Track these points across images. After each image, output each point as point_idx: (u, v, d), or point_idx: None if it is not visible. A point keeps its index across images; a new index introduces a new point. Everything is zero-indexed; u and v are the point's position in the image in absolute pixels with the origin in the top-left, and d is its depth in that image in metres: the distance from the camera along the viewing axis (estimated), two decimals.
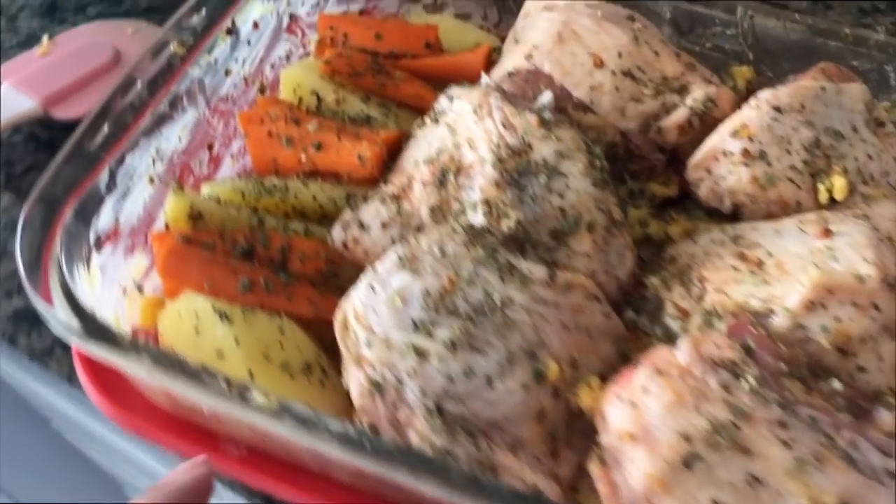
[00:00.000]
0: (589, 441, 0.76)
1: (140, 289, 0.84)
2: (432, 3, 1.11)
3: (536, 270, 0.74)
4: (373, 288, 0.74)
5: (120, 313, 0.81)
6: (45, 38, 1.22)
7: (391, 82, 1.00)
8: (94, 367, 0.80)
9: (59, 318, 0.69)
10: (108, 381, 0.80)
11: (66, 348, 0.95)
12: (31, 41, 1.28)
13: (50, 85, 1.16)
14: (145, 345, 0.66)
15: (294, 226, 0.88)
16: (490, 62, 1.02)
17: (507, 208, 0.79)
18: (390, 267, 0.74)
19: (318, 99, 0.99)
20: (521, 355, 0.71)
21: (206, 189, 0.89)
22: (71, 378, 0.93)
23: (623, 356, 0.79)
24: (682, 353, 0.69)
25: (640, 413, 0.67)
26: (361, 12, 1.11)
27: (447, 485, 0.61)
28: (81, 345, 0.68)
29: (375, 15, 1.11)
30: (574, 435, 0.75)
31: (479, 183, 0.81)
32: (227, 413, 0.66)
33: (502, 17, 1.10)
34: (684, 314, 0.78)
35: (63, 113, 1.15)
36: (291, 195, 0.90)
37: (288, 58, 1.03)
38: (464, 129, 0.85)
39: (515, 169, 0.80)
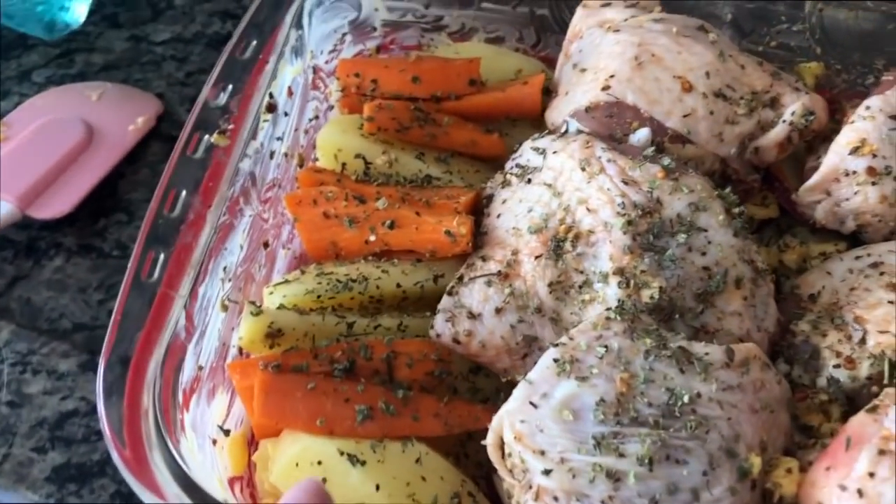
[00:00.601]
0: None
1: (226, 432, 0.71)
2: (459, 30, 0.98)
3: (713, 352, 0.65)
4: (532, 403, 0.64)
5: (216, 469, 0.68)
6: None
7: (441, 131, 0.89)
8: None
9: None
10: None
11: (130, 502, 0.81)
12: None
13: (20, 180, 0.99)
14: None
15: (385, 322, 0.77)
16: (542, 91, 0.92)
17: (647, 276, 0.70)
18: (548, 375, 0.64)
19: (366, 163, 0.86)
20: (722, 456, 0.62)
21: (274, 297, 0.76)
22: None
23: (794, 418, 0.72)
24: (892, 421, 0.62)
25: (871, 501, 0.60)
26: (379, 49, 0.98)
27: None
28: None
29: (395, 51, 0.98)
30: None
31: (608, 251, 0.71)
32: None
33: (541, 38, 0.99)
34: (850, 363, 0.72)
35: (42, 212, 0.99)
36: (372, 285, 0.78)
37: (316, 118, 0.90)
38: (571, 190, 0.75)
39: (648, 231, 0.71)
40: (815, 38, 0.94)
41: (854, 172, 0.79)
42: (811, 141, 0.88)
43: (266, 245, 0.79)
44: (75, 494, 0.80)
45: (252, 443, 0.73)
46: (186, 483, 0.58)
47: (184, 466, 0.58)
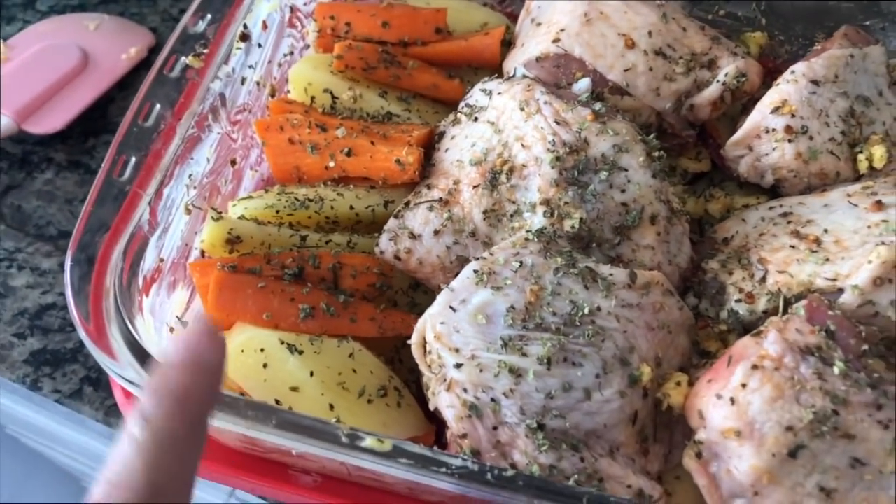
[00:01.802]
0: (669, 432, 0.77)
1: (185, 324, 0.79)
2: None
3: (617, 274, 0.73)
4: (452, 307, 0.71)
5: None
6: (0, 44, 1.11)
7: (405, 73, 0.96)
8: None
9: (133, 378, 0.64)
10: None
11: (97, 388, 0.89)
12: None
13: (19, 97, 1.06)
14: (246, 402, 0.62)
15: (336, 238, 0.84)
16: (503, 43, 0.99)
17: (569, 208, 0.77)
18: (468, 284, 0.72)
19: (333, 97, 0.94)
20: (615, 363, 0.70)
21: (237, 209, 0.84)
22: (108, 416, 0.88)
23: (694, 344, 0.79)
24: (770, 343, 0.70)
25: (741, 409, 0.67)
26: None
27: None
28: None
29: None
30: (658, 429, 0.76)
31: (537, 183, 0.79)
32: (335, 458, 0.63)
33: None
34: (750, 298, 0.79)
35: (37, 127, 1.06)
36: (327, 206, 0.85)
37: (291, 53, 0.97)
38: (511, 128, 0.82)
39: (574, 167, 0.78)
40: (761, 10, 1.01)
41: (774, 130, 0.86)
42: (746, 104, 0.95)
43: (234, 163, 0.87)
44: (49, 377, 0.89)
45: None
46: (138, 351, 0.65)
47: (137, 338, 0.66)
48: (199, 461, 0.47)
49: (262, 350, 0.74)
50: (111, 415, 0.87)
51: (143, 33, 1.18)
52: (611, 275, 0.73)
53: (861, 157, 0.85)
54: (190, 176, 0.78)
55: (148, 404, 0.45)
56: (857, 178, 0.87)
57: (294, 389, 0.73)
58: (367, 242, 0.84)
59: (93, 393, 0.89)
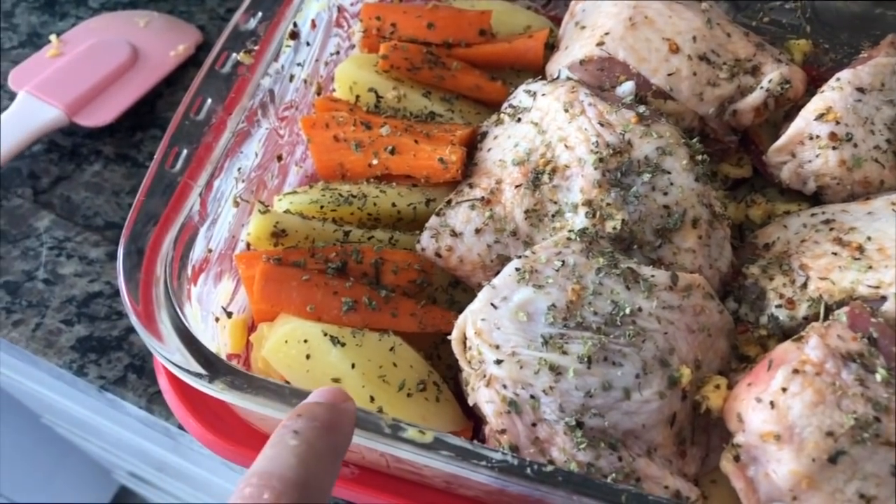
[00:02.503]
0: (707, 435, 0.78)
1: (229, 314, 0.81)
2: None
3: (659, 275, 0.73)
4: (493, 304, 0.72)
5: (217, 342, 0.78)
6: (53, 38, 1.14)
7: (449, 74, 0.97)
8: (193, 401, 0.78)
9: (180, 363, 0.66)
10: (208, 412, 0.78)
11: (140, 375, 0.91)
12: (33, 40, 1.20)
13: (70, 90, 1.09)
14: (292, 389, 0.64)
15: (378, 235, 0.86)
16: (546, 46, 1.00)
17: (611, 209, 0.78)
18: (509, 281, 0.73)
19: (378, 96, 0.95)
20: (655, 364, 0.71)
21: (282, 203, 0.85)
22: (150, 403, 0.90)
23: (734, 348, 0.80)
24: (812, 348, 0.70)
25: (781, 413, 0.67)
26: None
27: (612, 503, 0.62)
28: (211, 390, 0.65)
29: (416, 0, 1.06)
30: (696, 432, 0.76)
31: (579, 184, 0.79)
32: (376, 447, 0.64)
33: None
34: (790, 304, 0.79)
35: (87, 120, 1.09)
36: (370, 203, 0.87)
37: (337, 53, 0.99)
38: (554, 128, 0.83)
39: (617, 168, 0.79)
40: (806, 17, 1.00)
41: (817, 137, 0.86)
42: (789, 111, 0.95)
43: (280, 158, 0.89)
44: (94, 363, 0.91)
45: (251, 328, 0.83)
46: (186, 337, 0.67)
47: (186, 324, 0.68)
48: (332, 488, 0.52)
49: (305, 341, 0.75)
50: (154, 402, 0.89)
51: (191, 31, 1.20)
52: (652, 276, 0.73)
53: None
54: (239, 169, 0.80)
55: (298, 423, 0.51)
56: None
57: (336, 380, 0.74)
58: (409, 239, 0.86)
59: (136, 380, 0.91)
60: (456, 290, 0.86)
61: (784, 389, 0.68)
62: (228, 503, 0.45)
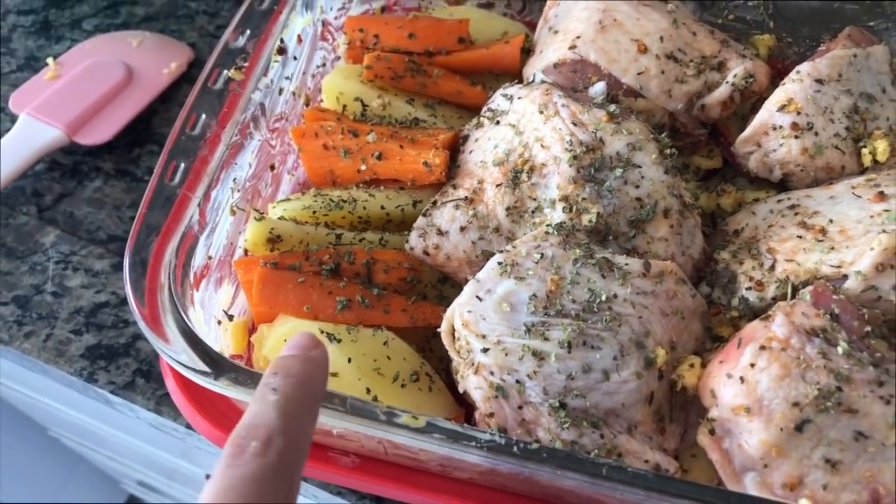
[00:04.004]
0: (685, 412, 0.82)
1: (230, 317, 0.85)
2: None
3: (632, 263, 0.78)
4: (478, 297, 0.77)
5: (220, 344, 0.82)
6: (50, 61, 1.19)
7: (430, 81, 1.02)
8: (200, 400, 0.82)
9: (186, 362, 0.70)
10: (215, 411, 0.83)
11: (148, 379, 0.96)
12: (31, 63, 1.25)
13: (69, 111, 1.13)
14: None
15: (369, 236, 0.90)
16: (522, 51, 1.04)
17: (587, 203, 0.83)
18: (493, 275, 0.78)
19: (363, 105, 1.00)
20: (632, 346, 0.75)
21: (277, 210, 0.90)
22: (159, 405, 0.94)
23: (707, 329, 0.84)
24: (778, 326, 0.75)
25: (750, 387, 0.72)
26: (383, 9, 1.12)
27: (594, 476, 0.66)
28: (216, 387, 0.70)
29: (398, 11, 1.11)
30: (674, 409, 0.81)
31: (556, 181, 0.84)
32: (373, 434, 0.69)
33: (525, 4, 1.12)
34: (759, 286, 0.84)
35: (87, 139, 1.13)
36: (360, 206, 0.91)
37: (323, 65, 1.04)
38: (531, 129, 0.87)
39: (591, 165, 0.83)
40: (769, 14, 1.05)
41: (781, 127, 0.90)
42: (755, 103, 0.99)
43: (273, 168, 0.93)
44: (104, 370, 0.96)
45: (252, 330, 0.87)
46: (191, 337, 0.72)
47: (190, 325, 0.72)
48: (312, 435, 0.56)
49: None
50: (162, 404, 0.94)
51: (183, 49, 1.25)
52: (626, 264, 0.78)
53: (865, 151, 0.90)
54: (234, 180, 0.85)
55: (274, 381, 0.56)
56: (862, 171, 0.91)
57: (334, 375, 0.78)
58: (398, 239, 0.90)
59: (144, 384, 0.95)
60: (444, 286, 0.91)
61: (752, 365, 0.73)
62: (222, 451, 0.51)
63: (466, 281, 0.86)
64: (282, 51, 0.92)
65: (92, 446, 1.83)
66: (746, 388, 0.72)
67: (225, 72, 0.88)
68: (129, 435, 1.45)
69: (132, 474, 1.94)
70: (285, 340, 0.80)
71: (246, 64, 0.88)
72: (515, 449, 0.67)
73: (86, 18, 1.30)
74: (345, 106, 1.00)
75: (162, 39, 1.26)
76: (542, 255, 0.78)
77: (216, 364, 0.70)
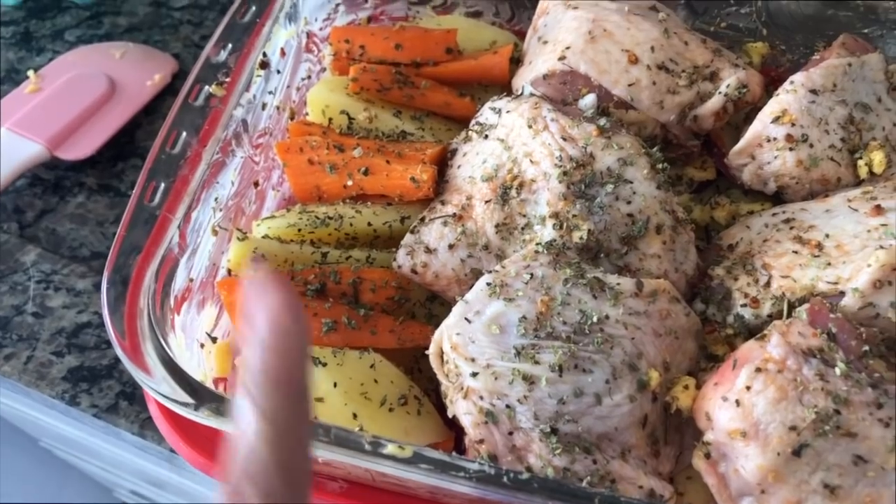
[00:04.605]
0: (680, 434, 0.80)
1: (213, 339, 0.83)
2: (442, 4, 1.09)
3: (624, 283, 0.76)
4: (467, 319, 0.75)
5: (203, 367, 0.80)
6: (31, 74, 1.17)
7: (418, 93, 1.00)
8: (183, 426, 0.80)
9: (167, 393, 0.68)
10: (198, 436, 0.81)
11: (131, 402, 0.93)
12: (12, 76, 1.23)
13: (51, 125, 1.11)
14: None
15: (355, 254, 0.88)
16: (511, 60, 1.02)
17: (578, 220, 0.81)
18: (481, 296, 0.76)
19: (350, 118, 0.98)
20: (624, 368, 0.73)
21: (261, 228, 0.88)
22: (143, 429, 0.92)
23: (702, 348, 0.82)
24: (773, 346, 0.73)
25: (746, 411, 0.70)
26: (370, 20, 1.10)
27: None
28: (197, 417, 0.68)
29: (384, 21, 1.09)
30: (669, 431, 0.79)
31: (546, 197, 0.82)
32: (359, 464, 0.67)
33: (514, 13, 1.10)
34: (754, 302, 0.82)
35: (69, 154, 1.11)
36: (346, 223, 0.89)
37: (308, 77, 1.01)
38: (520, 144, 0.85)
39: (581, 181, 0.82)
40: (762, 21, 1.03)
41: (775, 139, 0.89)
42: (749, 113, 0.98)
43: (256, 184, 0.91)
44: (86, 392, 0.94)
45: (237, 352, 0.85)
46: (171, 367, 0.70)
47: (171, 355, 0.70)
48: (311, 439, 0.49)
49: None
50: (146, 427, 0.92)
51: (167, 60, 1.23)
52: (618, 284, 0.76)
53: (861, 162, 0.88)
54: (216, 199, 0.83)
55: (257, 395, 0.46)
56: (858, 183, 0.89)
57: (319, 400, 0.77)
58: (385, 257, 0.88)
59: (128, 407, 0.93)
60: (434, 304, 0.89)
61: (748, 388, 0.71)
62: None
63: (455, 300, 0.85)
64: (264, 65, 0.90)
65: (83, 457, 1.82)
66: (742, 411, 0.70)
67: (206, 87, 0.86)
68: (118, 448, 1.43)
69: (124, 484, 1.93)
70: None
71: (227, 79, 0.86)
72: (505, 479, 0.65)
73: (68, 29, 1.28)
74: (331, 119, 0.98)
75: (145, 51, 1.24)
76: (532, 275, 0.76)
77: (197, 394, 0.68)
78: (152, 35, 1.27)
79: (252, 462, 0.45)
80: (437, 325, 0.80)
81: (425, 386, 0.84)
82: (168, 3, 1.30)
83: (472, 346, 0.74)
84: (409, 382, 0.81)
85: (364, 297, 0.85)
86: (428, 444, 0.79)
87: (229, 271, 0.85)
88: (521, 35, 1.07)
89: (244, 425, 0.46)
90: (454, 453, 0.67)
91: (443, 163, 0.93)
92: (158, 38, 1.27)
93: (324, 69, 1.05)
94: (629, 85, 0.91)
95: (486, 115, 0.91)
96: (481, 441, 0.72)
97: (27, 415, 1.51)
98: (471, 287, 0.80)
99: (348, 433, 0.66)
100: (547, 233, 0.81)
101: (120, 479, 1.88)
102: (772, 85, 1.00)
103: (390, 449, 0.65)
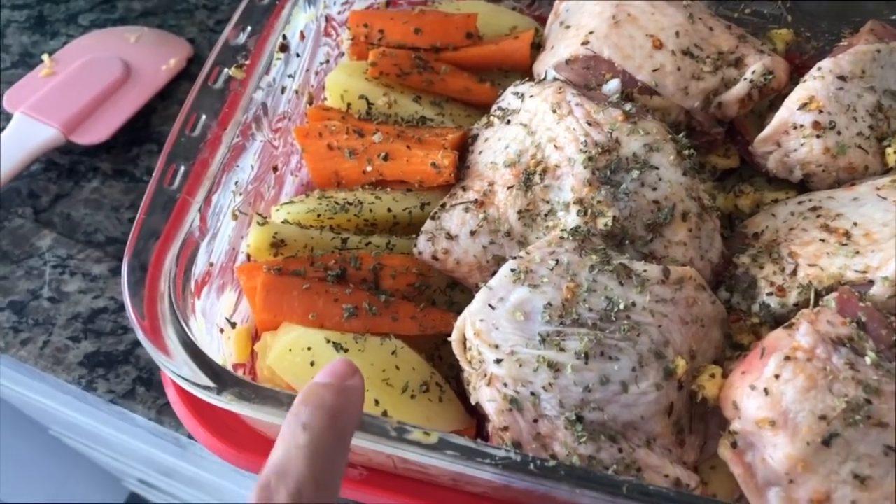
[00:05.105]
0: (705, 423, 0.79)
1: (233, 325, 0.83)
2: None
3: (651, 270, 0.75)
4: (490, 305, 0.74)
5: (222, 352, 0.80)
6: (45, 58, 1.16)
7: (437, 78, 0.98)
8: (202, 412, 0.79)
9: (188, 376, 0.68)
10: (217, 422, 0.80)
11: (148, 388, 0.93)
12: (26, 60, 1.22)
13: (65, 109, 1.10)
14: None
15: (375, 240, 0.87)
16: (532, 46, 1.01)
17: (602, 206, 0.80)
18: (506, 282, 0.75)
19: (369, 103, 0.96)
20: (650, 356, 0.72)
21: (280, 213, 0.87)
22: (160, 415, 0.92)
23: (727, 337, 0.81)
24: (802, 335, 0.72)
25: (775, 400, 0.69)
26: (388, 3, 1.08)
27: (613, 495, 0.63)
28: (219, 401, 0.67)
29: (403, 5, 1.08)
30: (694, 420, 0.78)
31: (570, 183, 0.81)
32: (383, 450, 0.66)
33: None
34: (781, 291, 0.81)
35: (84, 138, 1.10)
36: (366, 209, 0.88)
37: (327, 62, 1.00)
38: (543, 129, 0.84)
39: (606, 166, 0.80)
40: (787, 7, 1.02)
41: (801, 126, 0.87)
42: (774, 100, 0.96)
43: (276, 169, 0.90)
44: (103, 377, 0.93)
45: (255, 338, 0.85)
46: (193, 351, 0.69)
47: (192, 338, 0.70)
48: (344, 470, 0.55)
49: (309, 349, 0.77)
50: (163, 413, 0.91)
51: (182, 44, 1.22)
52: (644, 271, 0.75)
53: (889, 150, 0.87)
54: (236, 183, 0.82)
55: (305, 413, 0.54)
56: (886, 171, 0.88)
57: None
58: (406, 243, 0.87)
59: (145, 393, 0.92)
60: (454, 292, 0.88)
61: (777, 376, 0.70)
62: (250, 493, 0.48)
63: (477, 287, 0.84)
64: (284, 48, 0.89)
65: (92, 446, 1.82)
66: (771, 400, 0.69)
67: (225, 70, 0.85)
68: (129, 437, 1.42)
69: (133, 472, 1.93)
70: (290, 350, 0.78)
71: (247, 62, 0.85)
72: (531, 466, 0.64)
73: (82, 13, 1.27)
74: (349, 104, 0.97)
75: (160, 35, 1.23)
76: (557, 261, 0.75)
77: (219, 378, 0.68)
78: (167, 19, 1.26)
79: (289, 466, 0.50)
80: (458, 312, 0.79)
81: (445, 373, 0.83)
82: None
83: (495, 332, 0.73)
84: (430, 369, 0.80)
85: (385, 283, 0.84)
86: (450, 431, 0.78)
87: (248, 256, 0.85)
88: (542, 20, 1.06)
89: (289, 435, 0.52)
90: (479, 440, 0.66)
91: (464, 148, 0.92)
92: (173, 22, 1.25)
93: (342, 54, 1.03)
94: (653, 70, 0.90)
95: (508, 99, 0.90)
96: (505, 428, 0.71)
97: (38, 402, 1.51)
98: (493, 274, 0.79)
99: (373, 419, 0.65)
100: (571, 219, 0.80)
101: (129, 468, 1.88)
102: (796, 72, 0.98)
103: (416, 435, 0.65)
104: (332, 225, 0.88)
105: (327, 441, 0.53)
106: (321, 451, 0.52)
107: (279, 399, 0.66)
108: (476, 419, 0.79)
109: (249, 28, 0.88)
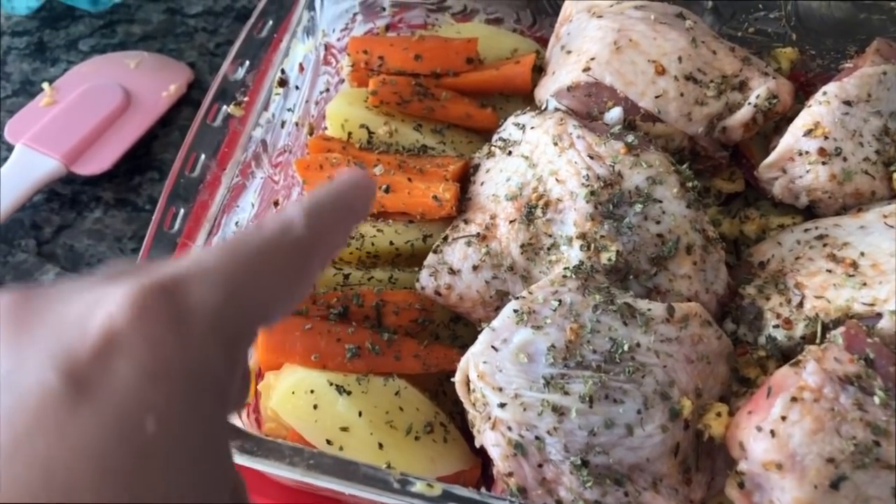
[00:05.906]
0: (711, 459, 0.79)
1: None
2: (461, 11, 1.07)
3: (655, 308, 0.74)
4: (494, 347, 0.73)
5: None
6: (46, 86, 1.15)
7: (438, 105, 0.97)
8: None
9: None
10: None
11: None
12: (27, 88, 1.21)
13: (66, 139, 1.10)
14: (306, 451, 0.65)
15: (377, 274, 0.87)
16: (534, 69, 1.00)
17: (606, 241, 0.79)
18: (509, 323, 0.74)
19: (370, 132, 0.96)
20: (656, 398, 0.72)
21: None
22: None
23: (734, 370, 0.81)
24: (809, 374, 0.71)
25: (782, 442, 0.69)
26: (388, 28, 1.07)
27: None
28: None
29: (402, 29, 1.07)
30: (700, 458, 0.78)
31: (573, 217, 0.80)
32: (387, 502, 0.66)
33: (536, 19, 1.07)
34: (787, 323, 0.80)
35: (85, 168, 1.10)
36: (368, 242, 0.88)
37: (327, 90, 1.00)
38: (545, 162, 0.83)
39: (609, 200, 0.80)
40: (791, 25, 1.00)
41: (807, 153, 0.86)
42: (779, 122, 0.95)
43: (276, 204, 0.90)
44: None
45: (259, 376, 0.84)
46: None
47: None
48: (341, 242, 0.49)
49: (311, 391, 0.77)
50: None
51: (182, 69, 1.21)
52: (649, 310, 0.74)
53: None
54: (236, 223, 0.81)
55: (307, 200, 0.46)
56: (893, 196, 0.87)
57: (344, 430, 0.76)
58: (408, 277, 0.87)
59: None
60: (458, 325, 0.88)
61: (784, 418, 0.69)
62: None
63: (480, 322, 0.83)
64: (283, 83, 0.89)
65: None
66: (778, 442, 0.69)
67: (224, 108, 0.84)
68: None
69: None
70: (293, 392, 0.78)
71: (246, 98, 0.85)
72: None
73: (81, 39, 1.26)
74: (350, 133, 0.96)
75: (160, 60, 1.22)
76: (561, 301, 0.74)
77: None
78: (167, 43, 1.25)
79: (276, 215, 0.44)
80: (461, 347, 0.78)
81: (450, 409, 0.83)
82: (182, 10, 1.28)
83: (499, 374, 0.72)
84: (434, 409, 0.80)
85: (387, 319, 0.83)
86: (454, 472, 0.78)
87: None
88: (543, 42, 1.05)
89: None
90: (483, 489, 0.66)
91: (465, 178, 0.92)
92: (173, 46, 1.25)
93: (342, 80, 1.03)
94: (656, 97, 0.89)
95: (509, 130, 0.89)
96: (510, 474, 0.71)
97: None
98: (496, 309, 0.79)
99: (376, 470, 0.65)
100: (574, 254, 0.79)
101: None
102: (801, 90, 0.97)
103: (419, 487, 0.64)
104: (334, 259, 0.88)
105: (325, 206, 0.46)
106: (317, 209, 0.45)
107: (281, 451, 0.66)
108: (481, 458, 0.79)
109: (248, 62, 0.88)
